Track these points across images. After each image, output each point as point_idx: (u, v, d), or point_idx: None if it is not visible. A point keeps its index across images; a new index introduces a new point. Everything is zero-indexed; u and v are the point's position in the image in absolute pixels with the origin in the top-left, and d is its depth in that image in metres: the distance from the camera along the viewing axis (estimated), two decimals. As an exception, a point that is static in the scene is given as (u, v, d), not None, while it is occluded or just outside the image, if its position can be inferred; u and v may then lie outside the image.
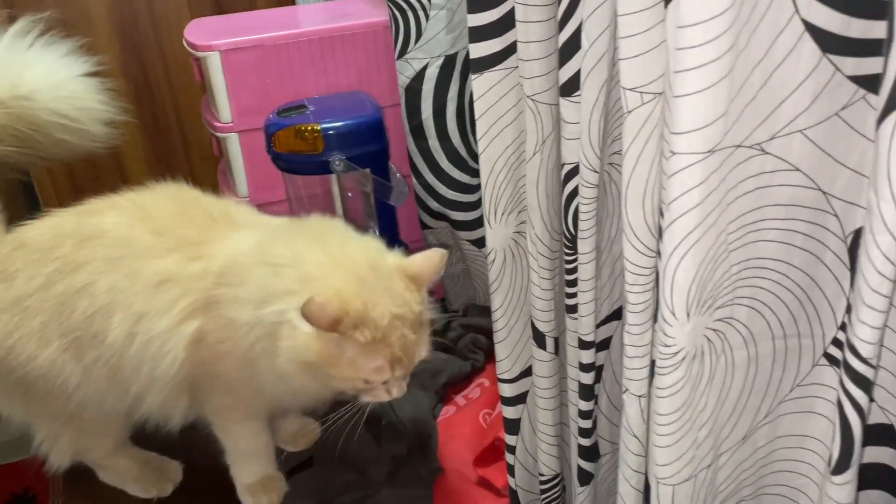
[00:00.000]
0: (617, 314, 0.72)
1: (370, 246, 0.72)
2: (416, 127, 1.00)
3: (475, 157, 1.02)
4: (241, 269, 0.71)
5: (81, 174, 1.34)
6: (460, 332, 1.04)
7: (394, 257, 0.72)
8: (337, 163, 0.94)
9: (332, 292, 0.65)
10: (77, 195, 1.34)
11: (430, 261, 0.71)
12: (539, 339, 0.74)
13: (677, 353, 0.50)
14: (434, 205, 1.04)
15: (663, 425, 0.53)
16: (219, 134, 1.08)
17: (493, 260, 0.73)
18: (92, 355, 0.75)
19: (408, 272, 0.70)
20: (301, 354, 0.67)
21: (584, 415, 0.71)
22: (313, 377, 0.70)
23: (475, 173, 1.02)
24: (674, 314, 0.49)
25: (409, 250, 1.12)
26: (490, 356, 1.07)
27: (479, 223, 1.04)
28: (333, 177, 1.01)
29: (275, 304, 0.67)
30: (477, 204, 1.03)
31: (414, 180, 1.04)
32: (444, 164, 1.01)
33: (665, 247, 0.48)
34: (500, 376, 0.78)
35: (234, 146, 1.07)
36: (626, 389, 0.60)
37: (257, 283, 0.69)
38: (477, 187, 1.03)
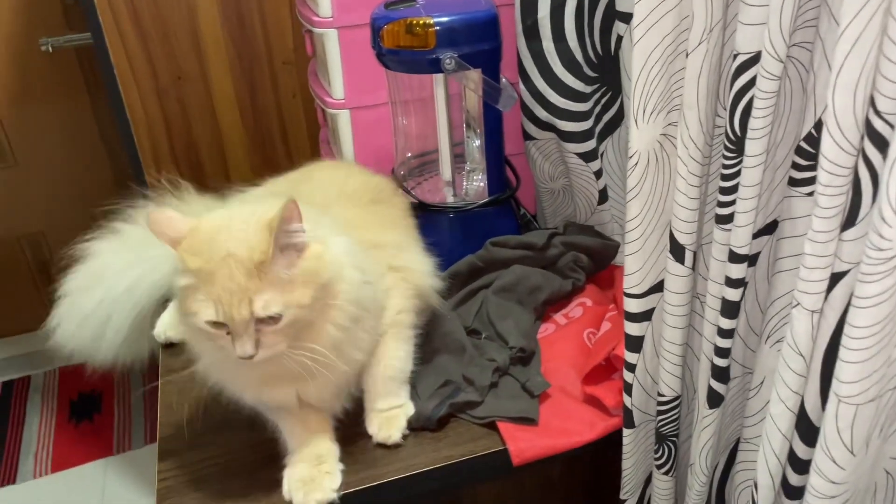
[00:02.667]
0: (770, 228, 0.66)
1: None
2: (531, 26, 0.93)
3: (590, 62, 0.95)
4: None
5: (164, 75, 1.30)
6: (561, 249, 1.00)
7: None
8: (448, 61, 0.88)
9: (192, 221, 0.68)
10: (160, 97, 1.32)
11: (285, 209, 0.65)
12: (677, 251, 0.69)
13: (891, 258, 0.45)
14: (542, 113, 0.98)
15: (858, 339, 0.48)
16: (316, 30, 1.02)
17: (636, 164, 0.68)
18: None
19: (264, 219, 0.67)
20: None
21: (725, 333, 0.67)
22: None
23: (590, 80, 0.95)
24: (898, 213, 0.43)
25: (510, 164, 1.07)
26: (591, 276, 1.02)
27: (588, 135, 0.97)
28: (437, 80, 0.96)
29: None
30: (588, 114, 0.97)
31: (521, 86, 0.98)
32: (558, 68, 0.94)
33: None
34: (628, 291, 0.74)
35: (332, 43, 1.01)
36: (798, 303, 0.56)
37: None
38: (590, 95, 0.96)
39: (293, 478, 0.75)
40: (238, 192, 0.92)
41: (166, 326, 0.97)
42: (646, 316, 0.75)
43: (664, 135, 0.68)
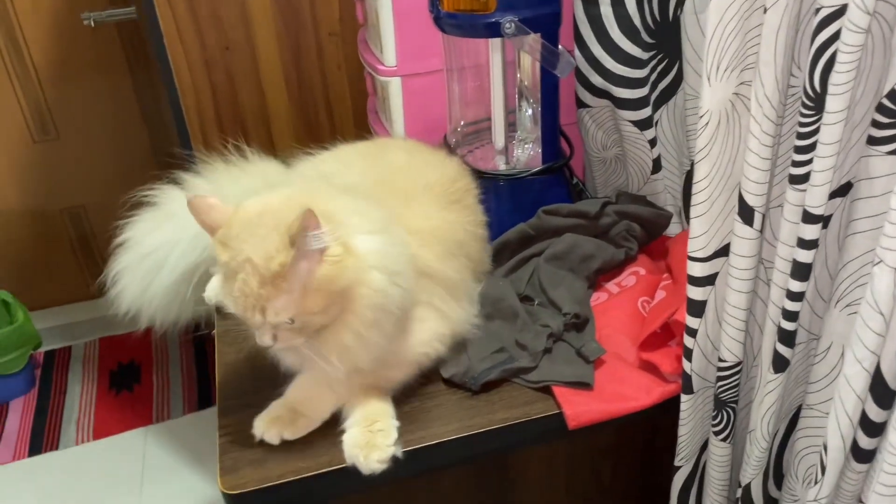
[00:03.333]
0: (843, 189, 0.65)
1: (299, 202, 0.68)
2: (589, -9, 0.92)
3: (648, 27, 0.94)
4: None
5: (212, 46, 1.31)
6: (614, 218, 0.99)
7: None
8: (508, 25, 0.88)
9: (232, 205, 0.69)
10: (208, 67, 1.33)
11: (303, 218, 0.64)
12: (746, 214, 0.68)
13: None
14: (597, 80, 0.97)
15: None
16: (370, -4, 1.02)
17: (707, 123, 0.67)
18: None
19: (284, 224, 0.66)
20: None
21: (795, 296, 0.66)
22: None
23: (647, 46, 0.94)
24: None
25: (563, 133, 1.06)
26: (643, 246, 1.02)
27: (644, 102, 0.96)
28: (494, 45, 0.95)
29: None
30: (644, 81, 0.95)
31: (577, 52, 0.97)
32: (615, 33, 0.93)
33: None
34: (692, 254, 0.73)
35: (385, 9, 1.01)
36: (880, 261, 0.55)
37: None
38: (647, 62, 0.95)
39: (349, 444, 0.76)
40: (307, 155, 0.94)
41: (218, 291, 0.99)
42: (709, 280, 0.74)
43: (736, 94, 0.67)
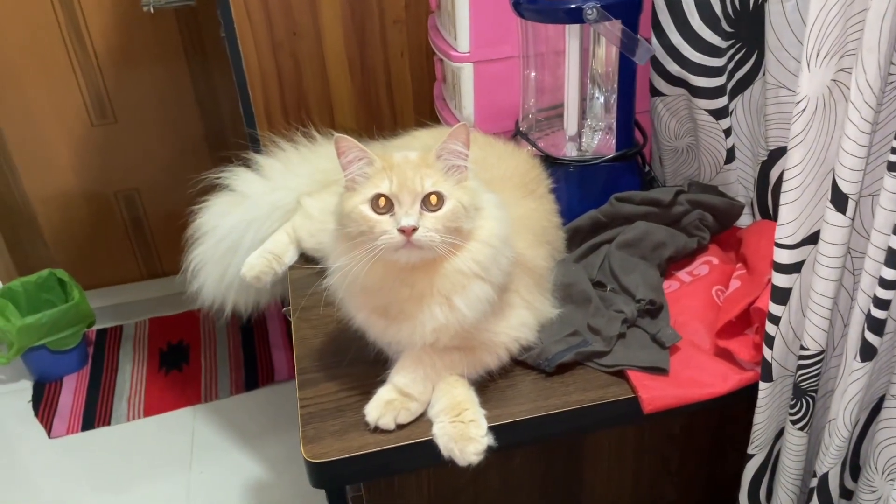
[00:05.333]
0: (943, 178, 0.65)
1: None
2: (670, -21, 0.92)
3: (728, 16, 0.93)
4: None
5: (280, 30, 1.33)
6: (686, 207, 0.99)
7: None
8: (590, 11, 0.88)
9: None
10: (276, 51, 1.36)
11: (458, 127, 0.74)
12: (840, 201, 0.68)
13: None
14: (674, 68, 0.97)
15: None
16: (446, -18, 1.03)
17: (804, 109, 0.67)
18: None
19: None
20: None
21: (888, 284, 0.66)
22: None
23: (727, 35, 0.94)
24: None
25: (637, 123, 1.06)
26: (714, 236, 1.01)
27: (720, 91, 0.96)
28: (571, 32, 0.96)
29: None
30: (722, 70, 0.95)
31: (654, 40, 0.97)
32: (695, 21, 0.93)
33: None
34: (780, 241, 0.73)
35: (461, -6, 1.02)
36: None
37: None
38: (725, 51, 0.95)
39: (444, 437, 0.76)
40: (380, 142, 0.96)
41: (258, 270, 0.99)
42: (796, 268, 0.74)
43: (834, 80, 0.67)
